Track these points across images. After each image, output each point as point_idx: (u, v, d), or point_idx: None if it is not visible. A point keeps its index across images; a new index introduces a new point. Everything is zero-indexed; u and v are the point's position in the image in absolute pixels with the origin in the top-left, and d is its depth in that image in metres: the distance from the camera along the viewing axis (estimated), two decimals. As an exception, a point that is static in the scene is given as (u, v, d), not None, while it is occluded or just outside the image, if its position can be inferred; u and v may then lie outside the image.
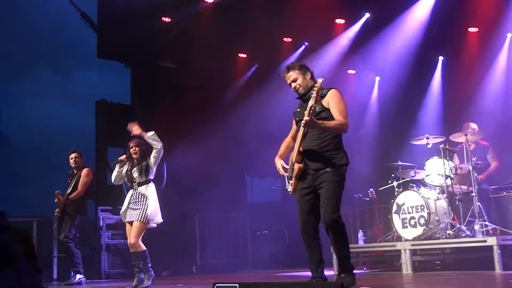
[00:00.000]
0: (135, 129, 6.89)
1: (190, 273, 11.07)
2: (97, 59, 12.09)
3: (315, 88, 4.68)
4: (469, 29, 11.71)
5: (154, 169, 6.95)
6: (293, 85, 5.11)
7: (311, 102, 4.65)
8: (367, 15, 11.85)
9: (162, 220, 6.88)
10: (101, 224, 10.50)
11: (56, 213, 8.72)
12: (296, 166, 4.89)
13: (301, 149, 4.87)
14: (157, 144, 6.81)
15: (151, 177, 6.91)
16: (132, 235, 6.67)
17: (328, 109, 4.92)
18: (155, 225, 6.91)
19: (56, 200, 8.54)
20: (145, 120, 11.54)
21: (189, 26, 11.36)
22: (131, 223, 6.76)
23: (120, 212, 7.00)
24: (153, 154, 6.86)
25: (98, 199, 10.84)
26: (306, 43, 12.62)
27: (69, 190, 8.61)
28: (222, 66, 12.43)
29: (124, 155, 7.07)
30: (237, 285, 3.10)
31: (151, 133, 6.83)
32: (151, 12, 10.81)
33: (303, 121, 4.65)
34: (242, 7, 11.13)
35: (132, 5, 10.34)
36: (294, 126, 5.31)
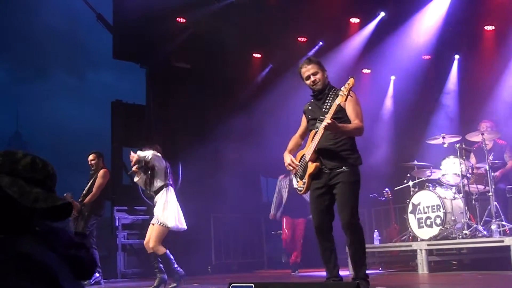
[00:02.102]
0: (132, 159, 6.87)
1: (205, 273, 11.09)
2: (111, 60, 12.16)
3: (346, 86, 4.56)
4: (485, 27, 11.61)
5: (163, 174, 6.84)
6: (312, 78, 4.97)
7: (339, 100, 4.56)
8: (382, 14, 11.79)
9: (174, 225, 6.72)
10: (117, 224, 10.56)
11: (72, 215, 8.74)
12: (313, 164, 4.84)
13: (317, 148, 4.81)
14: (147, 157, 6.75)
15: (161, 183, 6.81)
16: (151, 238, 6.64)
17: (344, 110, 4.85)
18: (182, 228, 6.82)
19: None
20: (160, 120, 11.64)
21: (203, 27, 11.39)
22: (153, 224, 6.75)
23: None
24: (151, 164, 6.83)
25: (114, 199, 10.90)
26: (321, 43, 12.58)
27: (85, 191, 8.62)
28: (236, 66, 12.45)
29: (136, 166, 6.95)
30: (253, 285, 3.09)
31: (136, 155, 6.78)
32: (166, 13, 10.86)
33: (324, 123, 4.57)
34: (256, 7, 11.13)
35: (147, 6, 10.39)
36: (303, 124, 5.23)
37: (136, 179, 6.98)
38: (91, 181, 8.64)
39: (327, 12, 11.10)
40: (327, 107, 4.84)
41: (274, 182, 14.08)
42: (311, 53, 12.60)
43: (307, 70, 4.99)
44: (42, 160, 1.96)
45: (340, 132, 4.74)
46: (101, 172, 8.66)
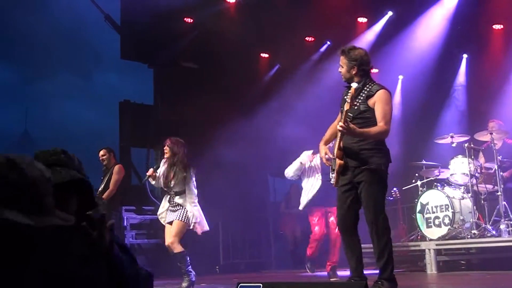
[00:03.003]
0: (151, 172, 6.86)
1: (213, 272, 11.09)
2: (118, 60, 12.19)
3: (350, 93, 4.58)
4: (494, 26, 11.56)
5: (192, 183, 6.76)
6: (339, 69, 4.99)
7: (346, 107, 4.54)
8: (390, 13, 11.77)
9: (208, 228, 6.76)
10: (125, 223, 10.57)
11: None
12: (337, 162, 4.80)
13: (341, 145, 4.77)
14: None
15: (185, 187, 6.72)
16: (171, 234, 6.54)
17: (373, 110, 4.78)
18: (199, 231, 6.77)
19: None
20: (167, 120, 11.65)
21: (211, 27, 11.39)
22: (171, 223, 6.65)
23: (159, 214, 6.92)
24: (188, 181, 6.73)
25: (122, 199, 10.92)
26: (329, 42, 12.57)
27: (101, 187, 8.55)
28: (244, 66, 12.45)
29: (152, 169, 6.92)
30: (261, 284, 3.09)
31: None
32: (173, 13, 10.88)
33: (338, 127, 4.55)
34: (263, 7, 11.13)
35: (155, 6, 10.42)
36: (340, 113, 5.07)
37: (153, 182, 6.91)
38: (106, 178, 8.58)
39: (335, 11, 11.08)
40: (357, 104, 4.80)
41: (282, 182, 14.09)
42: (318, 53, 12.60)
43: (340, 60, 4.98)
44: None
45: (357, 136, 4.70)
46: (116, 168, 8.55)
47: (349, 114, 4.54)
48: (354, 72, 4.86)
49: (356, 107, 4.72)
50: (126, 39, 11.63)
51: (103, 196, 8.39)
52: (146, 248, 10.66)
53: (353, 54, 4.87)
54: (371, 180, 4.72)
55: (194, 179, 6.77)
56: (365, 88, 4.86)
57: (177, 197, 6.68)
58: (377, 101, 4.74)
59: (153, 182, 6.93)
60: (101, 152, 8.69)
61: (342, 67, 4.92)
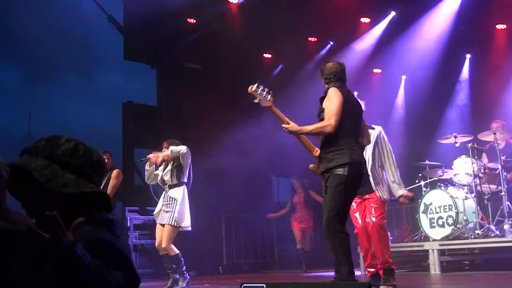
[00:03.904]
0: (155, 159, 6.90)
1: (216, 273, 11.10)
2: (121, 61, 12.21)
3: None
4: (497, 26, 11.54)
5: (186, 172, 6.87)
6: None
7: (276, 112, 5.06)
8: (393, 13, 11.76)
9: (189, 225, 6.79)
10: (128, 224, 10.59)
11: None
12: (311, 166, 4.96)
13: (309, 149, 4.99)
14: (181, 151, 6.77)
15: (183, 179, 6.83)
16: (164, 239, 6.62)
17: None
18: (189, 228, 6.82)
19: None
20: (171, 120, 11.67)
21: (214, 27, 11.41)
22: (162, 225, 6.74)
23: (154, 213, 7.01)
24: (181, 159, 6.83)
25: (126, 200, 10.94)
26: (331, 43, 12.56)
27: None
28: (247, 67, 12.44)
29: (154, 154, 7.00)
30: (264, 285, 3.10)
31: (168, 151, 6.78)
32: (176, 13, 10.89)
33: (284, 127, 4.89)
34: (266, 8, 11.13)
35: (158, 7, 10.42)
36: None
37: (147, 167, 6.99)
38: (104, 181, 8.60)
39: (338, 12, 11.09)
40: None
41: (285, 182, 14.09)
42: (321, 53, 12.59)
43: None
44: (86, 146, 1.96)
45: (301, 135, 4.91)
46: (115, 172, 8.52)
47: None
48: (323, 82, 5.20)
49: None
50: (129, 40, 11.65)
51: None
52: (149, 248, 10.65)
53: (322, 69, 5.26)
54: (330, 185, 4.66)
55: (189, 163, 6.87)
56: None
57: (170, 191, 6.76)
58: (326, 99, 4.89)
59: (147, 168, 6.99)
60: (105, 156, 8.66)
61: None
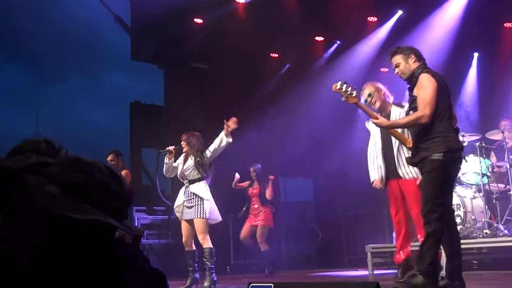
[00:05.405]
0: (232, 126, 6.94)
1: (224, 272, 11.09)
2: (128, 62, 12.24)
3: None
4: (505, 24, 11.49)
5: (208, 165, 6.80)
6: (396, 70, 4.96)
7: (364, 108, 4.84)
8: (400, 12, 11.72)
9: (221, 219, 6.76)
10: (136, 224, 10.61)
11: None
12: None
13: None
14: (230, 140, 6.88)
15: (205, 175, 6.73)
16: (198, 233, 6.51)
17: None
18: (220, 219, 6.78)
19: None
20: (178, 120, 11.69)
21: (220, 27, 11.41)
22: (188, 221, 6.64)
23: (175, 207, 6.83)
24: (216, 146, 6.83)
25: (134, 200, 10.96)
26: (338, 42, 12.54)
27: None
28: (254, 66, 12.45)
29: (174, 146, 6.91)
30: (272, 285, 3.09)
31: (223, 140, 6.85)
32: (183, 13, 10.90)
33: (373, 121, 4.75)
34: (273, 7, 11.13)
35: (165, 7, 10.44)
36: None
37: (166, 160, 6.87)
38: None
39: (345, 11, 11.06)
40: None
41: (292, 182, 14.09)
42: (328, 52, 12.58)
43: (392, 63, 5.05)
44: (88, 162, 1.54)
45: (392, 128, 4.95)
46: (124, 173, 8.26)
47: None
48: (413, 61, 4.92)
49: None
50: (136, 40, 11.68)
51: None
52: (157, 248, 10.69)
53: (401, 49, 4.98)
54: (426, 170, 4.62)
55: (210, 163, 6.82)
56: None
57: (191, 186, 6.65)
58: (417, 87, 4.80)
59: (166, 161, 6.87)
60: (109, 157, 8.42)
61: (399, 64, 4.92)
